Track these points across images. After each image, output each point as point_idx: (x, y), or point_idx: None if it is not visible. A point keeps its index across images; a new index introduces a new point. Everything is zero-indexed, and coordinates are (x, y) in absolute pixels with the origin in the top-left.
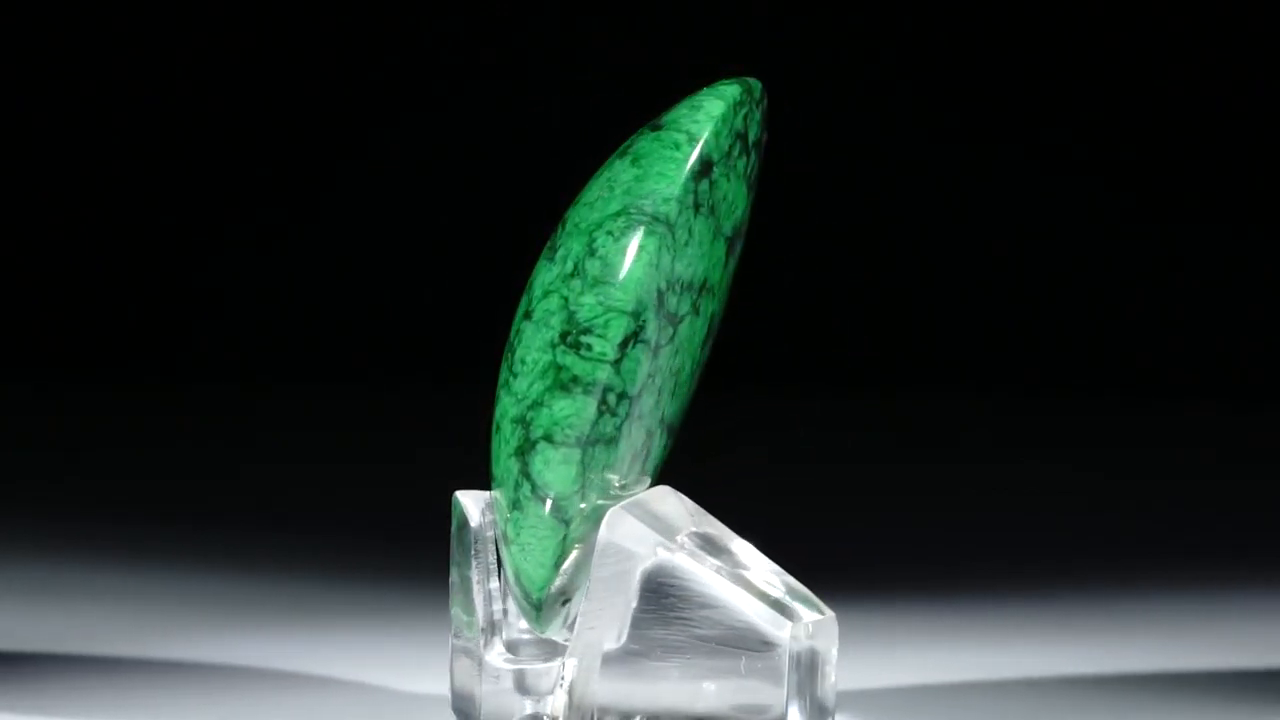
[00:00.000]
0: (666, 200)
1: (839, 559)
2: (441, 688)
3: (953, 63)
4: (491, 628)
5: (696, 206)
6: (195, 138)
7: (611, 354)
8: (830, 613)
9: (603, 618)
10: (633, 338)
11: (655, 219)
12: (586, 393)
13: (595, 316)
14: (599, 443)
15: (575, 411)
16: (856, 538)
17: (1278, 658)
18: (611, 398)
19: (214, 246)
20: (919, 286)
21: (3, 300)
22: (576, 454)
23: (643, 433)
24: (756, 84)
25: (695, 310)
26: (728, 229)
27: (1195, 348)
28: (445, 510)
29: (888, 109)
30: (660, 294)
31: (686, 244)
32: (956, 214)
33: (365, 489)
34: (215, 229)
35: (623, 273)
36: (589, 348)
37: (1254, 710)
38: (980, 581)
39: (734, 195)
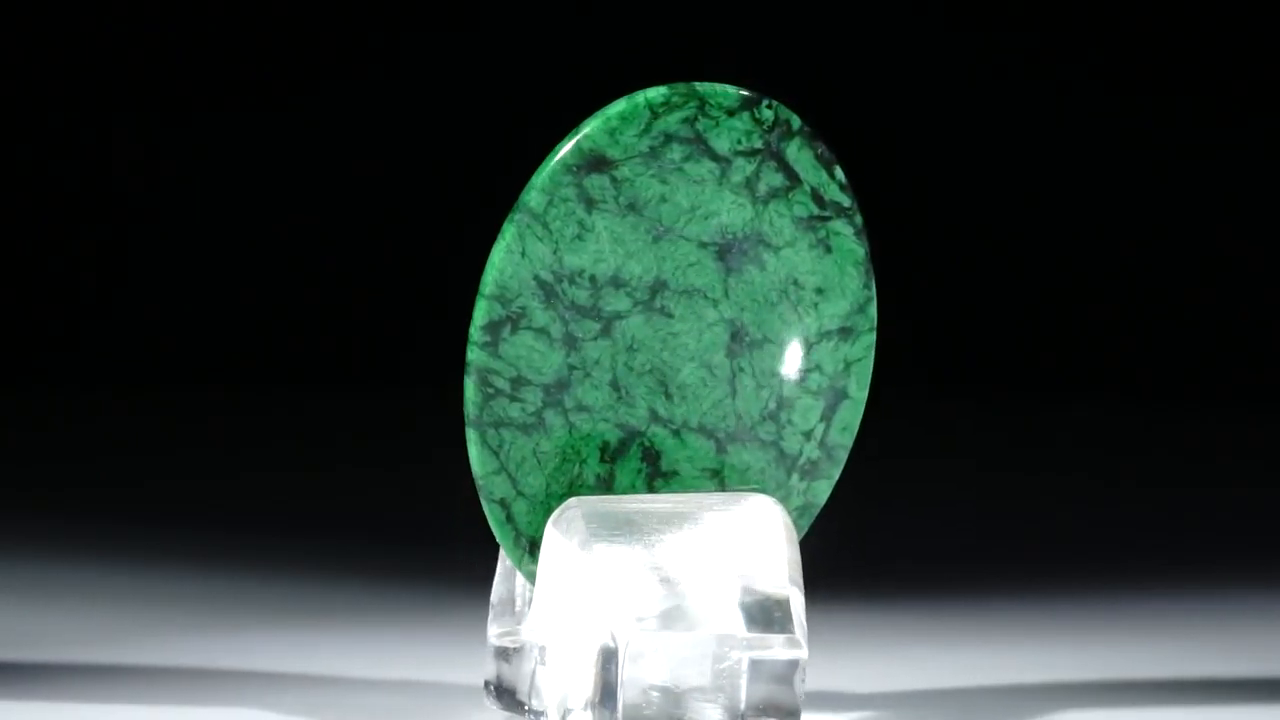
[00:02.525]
0: (532, 191)
1: (841, 559)
2: (455, 679)
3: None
4: (502, 604)
5: (590, 201)
6: (184, 135)
7: (477, 336)
8: (789, 640)
9: (544, 606)
10: (506, 322)
11: (520, 209)
12: (468, 373)
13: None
14: (505, 427)
15: (465, 392)
16: (858, 537)
17: None
18: (500, 381)
19: (215, 248)
20: (928, 286)
21: (7, 306)
22: (475, 434)
23: (611, 429)
24: (723, 91)
25: (660, 311)
26: (700, 234)
27: (1202, 350)
28: (450, 509)
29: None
30: (545, 284)
31: (579, 238)
32: (965, 214)
33: (366, 490)
34: (217, 230)
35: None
36: (469, 330)
37: (1258, 713)
38: (984, 583)
39: (697, 200)
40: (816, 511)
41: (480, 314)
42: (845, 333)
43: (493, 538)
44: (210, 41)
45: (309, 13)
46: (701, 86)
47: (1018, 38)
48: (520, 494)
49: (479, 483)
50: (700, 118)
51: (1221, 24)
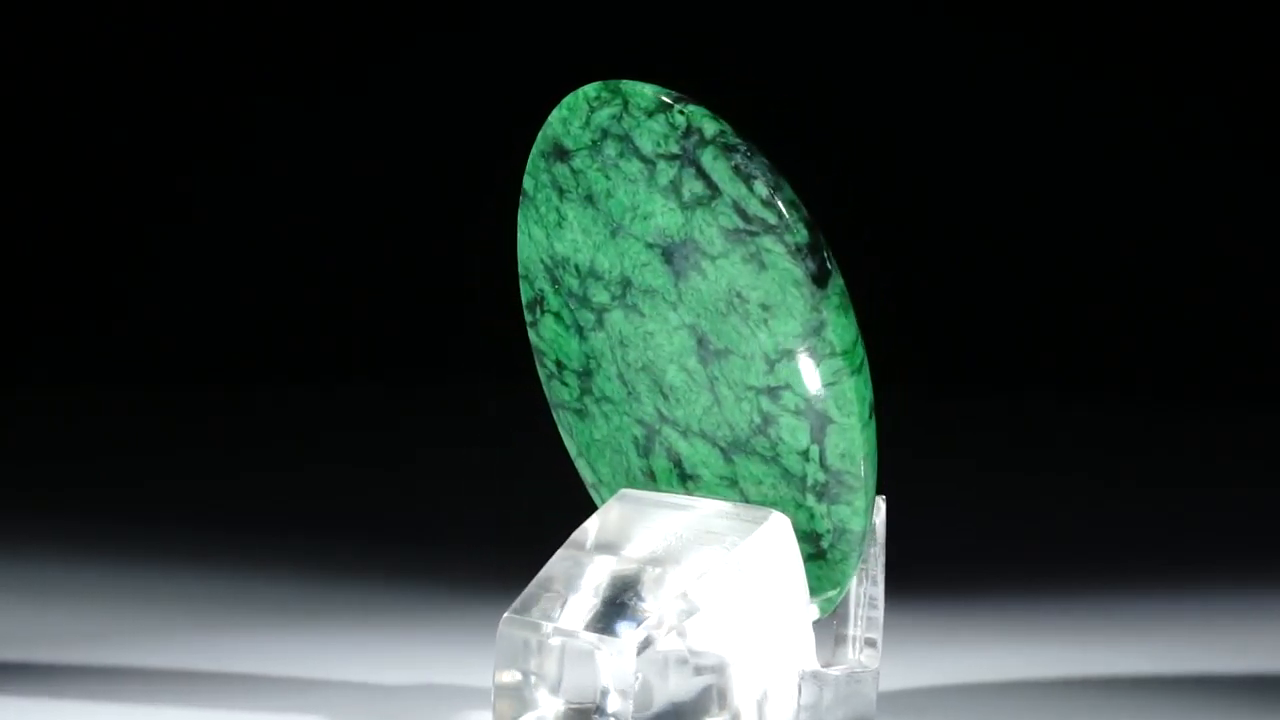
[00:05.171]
0: (525, 175)
1: None
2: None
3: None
4: None
5: (560, 190)
6: (185, 135)
7: (526, 316)
8: (612, 645)
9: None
10: (536, 303)
11: (522, 191)
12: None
13: None
14: (565, 409)
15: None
16: None
17: None
18: (549, 363)
19: (215, 248)
20: (928, 286)
21: (7, 306)
22: (554, 416)
23: (634, 424)
24: (641, 91)
25: (633, 309)
26: (644, 234)
27: (1202, 350)
28: (450, 509)
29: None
30: (548, 268)
31: (560, 225)
32: (972, 208)
33: (366, 490)
34: (217, 229)
35: None
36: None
37: (1258, 713)
38: (984, 583)
39: (635, 199)
40: (854, 538)
41: (523, 293)
42: (808, 354)
43: (490, 538)
44: (211, 41)
45: (310, 12)
46: (625, 85)
47: (1018, 38)
48: (600, 480)
49: (575, 462)
50: (625, 116)
51: (1221, 24)
